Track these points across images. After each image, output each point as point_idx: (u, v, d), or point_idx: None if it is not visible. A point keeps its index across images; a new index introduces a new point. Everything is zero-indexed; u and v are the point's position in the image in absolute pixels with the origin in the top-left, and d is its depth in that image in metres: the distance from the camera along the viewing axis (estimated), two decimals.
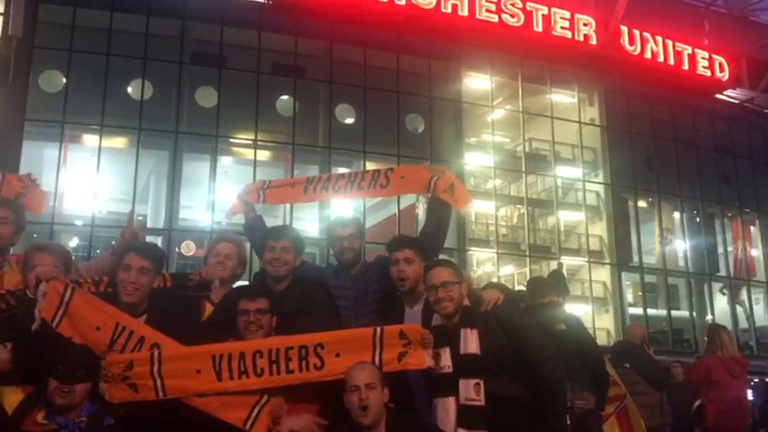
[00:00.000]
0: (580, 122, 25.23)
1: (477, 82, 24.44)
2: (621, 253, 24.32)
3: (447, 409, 3.30)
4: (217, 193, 20.21)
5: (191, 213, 21.78)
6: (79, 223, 19.95)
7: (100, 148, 19.81)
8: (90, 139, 20.27)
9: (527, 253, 23.72)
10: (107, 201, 20.92)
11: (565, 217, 25.36)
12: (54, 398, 3.04)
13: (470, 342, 3.32)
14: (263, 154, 21.80)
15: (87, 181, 19.69)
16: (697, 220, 26.73)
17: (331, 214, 18.25)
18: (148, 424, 3.26)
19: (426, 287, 3.49)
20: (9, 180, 4.17)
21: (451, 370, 3.33)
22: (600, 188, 25.14)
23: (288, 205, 18.20)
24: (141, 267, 3.47)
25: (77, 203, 20.26)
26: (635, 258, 24.82)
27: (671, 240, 26.23)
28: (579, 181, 25.20)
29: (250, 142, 21.28)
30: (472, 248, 22.98)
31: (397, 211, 22.18)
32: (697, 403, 6.98)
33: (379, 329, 3.39)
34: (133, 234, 4.11)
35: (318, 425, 3.27)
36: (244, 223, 4.44)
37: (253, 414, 3.29)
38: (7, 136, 18.34)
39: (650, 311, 24.58)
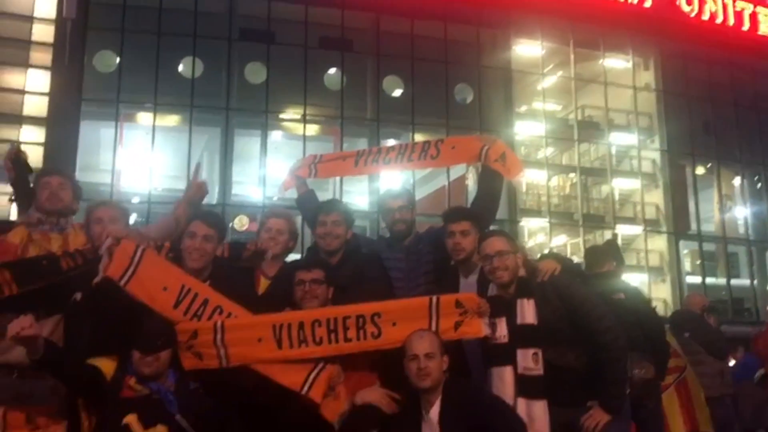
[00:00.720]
0: (634, 88, 24.57)
1: (527, 49, 23.97)
2: (678, 221, 23.74)
3: (503, 379, 3.30)
4: (268, 168, 20.46)
5: (243, 188, 22.10)
6: (135, 200, 20.46)
7: (154, 126, 20.28)
8: (144, 118, 20.71)
9: (580, 223, 23.35)
10: (162, 178, 21.37)
11: (620, 185, 24.85)
12: (141, 369, 3.18)
13: (527, 312, 3.31)
14: (312, 129, 21.91)
15: (142, 159, 20.16)
16: (758, 185, 25.85)
17: (380, 186, 18.31)
18: (221, 388, 3.37)
19: (481, 257, 3.48)
20: None
21: (507, 340, 3.33)
22: (656, 155, 24.51)
23: (338, 179, 18.31)
24: (205, 235, 3.57)
25: (134, 181, 20.77)
26: (693, 226, 24.21)
27: (731, 207, 25.48)
28: (634, 148, 24.61)
29: (299, 116, 21.42)
30: (524, 219, 22.75)
31: (447, 183, 22.07)
32: (760, 372, 6.82)
33: (435, 298, 3.42)
34: (199, 186, 4.16)
35: (390, 398, 3.33)
36: (297, 198, 4.47)
37: (310, 379, 3.37)
38: (65, 117, 18.88)
39: (709, 280, 24.00)
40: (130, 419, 3.13)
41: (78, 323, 3.17)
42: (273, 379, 3.39)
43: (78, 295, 3.46)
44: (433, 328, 3.35)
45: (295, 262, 4.03)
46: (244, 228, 20.00)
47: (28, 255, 3.63)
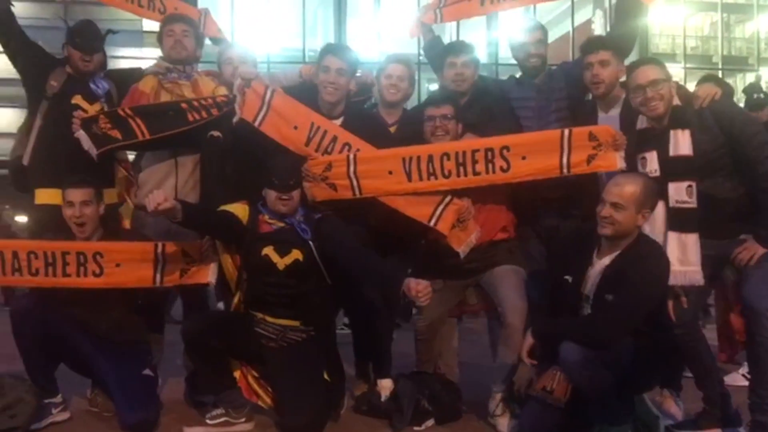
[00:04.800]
0: None
1: None
2: None
3: (654, 214, 3.10)
4: (382, 22, 20.01)
5: (359, 44, 21.85)
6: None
7: None
8: None
9: (720, 66, 21.56)
10: (279, 37, 21.44)
11: (767, 22, 22.48)
12: (277, 207, 3.37)
13: (681, 143, 3.08)
14: None
15: (259, 19, 20.21)
16: None
17: (499, 38, 17.56)
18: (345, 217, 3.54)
19: (632, 88, 3.20)
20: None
21: (658, 174, 3.14)
22: None
23: (454, 32, 17.65)
24: (339, 68, 3.62)
25: (251, 42, 20.94)
26: None
27: None
28: None
29: None
30: None
31: (571, 28, 20.80)
32: None
33: (567, 131, 3.32)
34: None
35: None
36: (423, 45, 4.41)
37: (437, 212, 3.44)
38: None
39: None
40: (268, 251, 3.37)
41: (217, 160, 3.32)
42: (401, 211, 3.48)
43: (215, 133, 3.63)
44: (564, 161, 3.27)
45: (420, 103, 4.00)
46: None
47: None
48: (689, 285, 3.08)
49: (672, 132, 3.11)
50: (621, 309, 2.85)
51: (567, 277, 3.09)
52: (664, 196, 3.10)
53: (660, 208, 3.11)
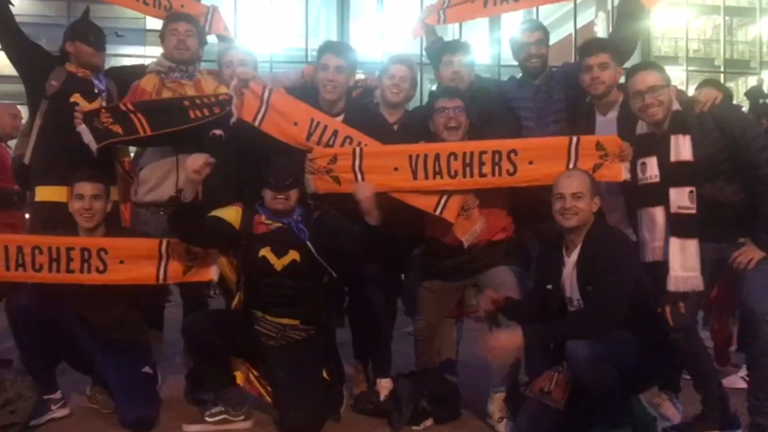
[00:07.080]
0: None
1: None
2: None
3: (655, 220, 3.13)
4: (384, 23, 20.00)
5: (361, 44, 21.82)
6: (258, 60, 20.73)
7: None
8: None
9: (722, 69, 21.57)
10: (282, 37, 21.45)
11: None
12: (274, 206, 3.37)
13: (682, 149, 3.06)
14: None
15: (262, 18, 20.22)
16: None
17: (501, 38, 17.53)
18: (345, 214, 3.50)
19: (631, 94, 3.19)
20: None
21: (658, 179, 3.12)
22: None
23: (456, 32, 17.65)
24: (337, 66, 3.64)
25: (254, 42, 20.94)
26: None
27: None
28: None
29: None
30: None
31: (573, 30, 20.79)
32: None
33: (575, 138, 3.31)
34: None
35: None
36: (426, 47, 4.39)
37: (442, 201, 3.44)
38: None
39: None
40: (265, 252, 3.36)
41: (219, 158, 3.31)
42: (406, 202, 3.49)
43: (217, 131, 3.62)
44: (571, 169, 3.23)
45: (424, 103, 3.99)
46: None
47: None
48: (690, 290, 3.06)
49: (673, 137, 3.08)
50: (603, 294, 2.86)
51: (548, 286, 3.12)
52: (665, 201, 3.08)
53: (660, 213, 3.11)
